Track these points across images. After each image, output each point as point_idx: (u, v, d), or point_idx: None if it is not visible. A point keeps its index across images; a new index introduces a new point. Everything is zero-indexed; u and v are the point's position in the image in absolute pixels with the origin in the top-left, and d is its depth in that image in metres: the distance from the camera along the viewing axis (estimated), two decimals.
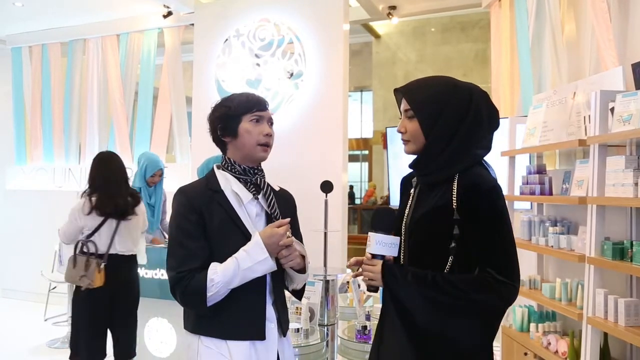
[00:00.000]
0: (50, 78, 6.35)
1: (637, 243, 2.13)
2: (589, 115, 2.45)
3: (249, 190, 1.65)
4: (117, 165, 3.13)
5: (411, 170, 1.54)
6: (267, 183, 1.71)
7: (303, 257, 1.67)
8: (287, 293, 1.78)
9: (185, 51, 5.80)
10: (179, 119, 5.70)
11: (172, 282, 1.56)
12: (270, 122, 1.69)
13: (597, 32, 2.88)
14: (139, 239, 3.19)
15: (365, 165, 14.29)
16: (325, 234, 3.10)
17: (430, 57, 11.77)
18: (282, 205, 1.71)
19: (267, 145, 1.66)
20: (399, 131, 1.49)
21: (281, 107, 4.66)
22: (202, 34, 5.13)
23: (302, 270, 1.68)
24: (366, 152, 14.08)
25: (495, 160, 1.53)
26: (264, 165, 1.74)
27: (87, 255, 2.96)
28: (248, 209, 1.63)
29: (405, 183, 1.60)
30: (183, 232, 1.57)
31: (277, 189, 1.77)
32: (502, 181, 3.21)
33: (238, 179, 1.65)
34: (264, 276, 1.61)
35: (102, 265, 2.94)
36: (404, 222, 1.51)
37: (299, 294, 1.79)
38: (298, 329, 2.68)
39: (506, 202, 3.29)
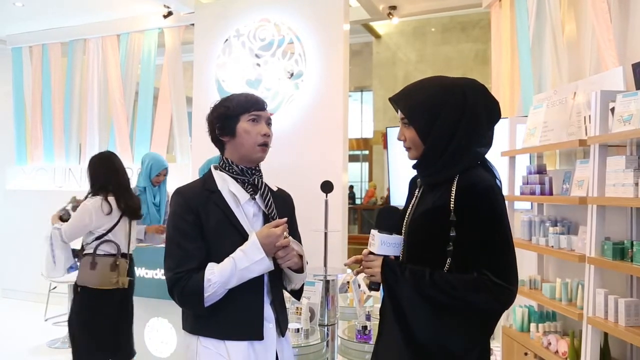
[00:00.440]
0: (51, 78, 6.35)
1: (637, 243, 2.13)
2: (590, 115, 2.45)
3: (247, 191, 1.65)
4: (121, 164, 3.18)
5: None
6: (265, 183, 1.71)
7: (301, 257, 1.66)
8: (286, 293, 1.78)
9: (186, 51, 5.81)
10: (179, 119, 5.71)
11: (170, 283, 1.56)
12: (269, 122, 1.69)
13: (597, 32, 2.88)
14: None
15: (366, 165, 14.29)
16: (326, 234, 3.10)
17: (431, 57, 11.77)
18: (280, 206, 1.71)
19: (265, 145, 1.65)
20: (399, 139, 1.50)
21: (281, 107, 4.66)
22: (202, 34, 5.13)
23: (300, 270, 1.67)
24: (366, 152, 14.08)
25: (495, 160, 1.53)
26: (264, 164, 1.74)
27: (112, 256, 2.99)
28: (245, 209, 1.63)
29: (412, 183, 1.61)
30: (180, 233, 1.57)
31: (274, 189, 1.76)
32: (503, 181, 3.23)
33: (235, 179, 1.65)
34: (262, 276, 1.61)
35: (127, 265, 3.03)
36: (405, 221, 1.51)
37: (297, 294, 1.79)
38: (298, 329, 2.68)
39: (506, 202, 3.29)
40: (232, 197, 1.62)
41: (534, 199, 2.95)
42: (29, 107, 6.48)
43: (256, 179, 1.67)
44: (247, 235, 1.58)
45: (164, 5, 5.42)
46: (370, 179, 13.64)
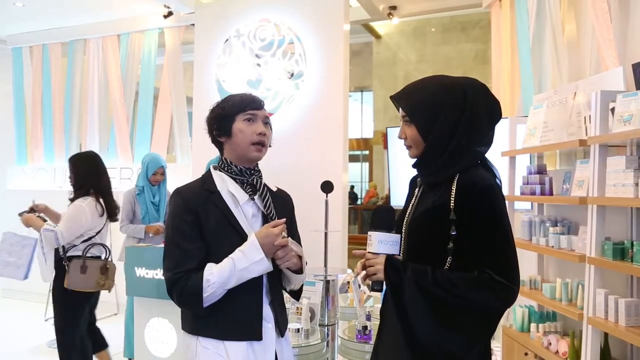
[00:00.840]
0: (51, 78, 6.35)
1: (637, 243, 2.13)
2: (590, 116, 2.45)
3: (245, 191, 1.65)
4: (104, 165, 3.21)
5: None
6: (264, 184, 1.71)
7: (300, 257, 1.66)
8: (286, 293, 1.78)
9: (186, 51, 5.81)
10: (179, 119, 5.71)
11: (169, 283, 1.56)
12: (266, 121, 1.68)
13: (597, 32, 2.88)
14: None
15: (366, 165, 14.29)
16: (326, 234, 3.10)
17: (431, 57, 11.77)
18: (279, 206, 1.71)
19: (260, 144, 1.64)
20: (399, 137, 1.50)
21: (282, 107, 4.66)
22: (202, 34, 5.13)
23: (299, 271, 1.67)
24: (366, 152, 14.09)
25: (495, 160, 1.53)
26: (264, 165, 1.74)
27: (99, 259, 3.03)
28: (244, 209, 1.63)
29: (412, 183, 1.61)
30: (179, 233, 1.57)
31: (274, 189, 1.76)
32: (503, 181, 3.23)
33: (234, 179, 1.65)
34: (261, 276, 1.61)
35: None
36: (405, 221, 1.51)
37: (296, 294, 1.79)
38: (298, 329, 2.68)
39: (507, 202, 3.29)
40: (231, 198, 1.62)
41: (534, 199, 2.95)
42: (29, 107, 6.48)
43: (255, 179, 1.67)
44: (246, 236, 1.58)
45: (164, 6, 5.42)
46: (371, 179, 13.65)
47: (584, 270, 2.41)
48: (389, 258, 1.43)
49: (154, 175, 3.92)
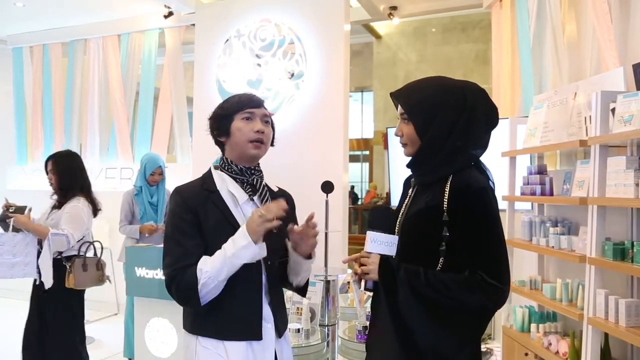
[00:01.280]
0: (51, 78, 6.35)
1: (637, 243, 2.13)
2: (590, 116, 2.45)
3: (245, 191, 1.65)
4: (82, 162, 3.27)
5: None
6: (265, 184, 1.71)
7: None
8: (287, 293, 1.78)
9: (186, 51, 5.81)
10: (179, 119, 5.71)
11: (168, 279, 1.56)
12: (265, 119, 1.68)
13: (598, 33, 2.88)
14: None
15: (366, 165, 14.30)
16: (326, 234, 3.10)
17: (431, 58, 11.78)
18: None
19: (259, 142, 1.64)
20: (396, 134, 1.51)
21: (282, 108, 4.66)
22: (202, 34, 5.13)
23: (309, 256, 1.66)
24: (367, 152, 14.09)
25: (495, 160, 1.54)
26: (264, 165, 1.74)
27: (95, 256, 3.13)
28: (244, 209, 1.63)
29: (406, 183, 1.62)
30: (179, 231, 1.58)
31: (275, 189, 1.77)
32: (503, 182, 3.23)
33: (235, 179, 1.66)
34: (260, 276, 1.62)
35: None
36: (398, 221, 1.52)
37: (302, 290, 1.78)
38: (299, 330, 2.68)
39: (507, 202, 3.29)
40: (230, 197, 1.63)
41: (535, 200, 2.95)
42: (30, 107, 6.48)
43: (255, 179, 1.67)
44: None
45: (165, 6, 5.42)
46: (371, 180, 13.65)
47: (584, 270, 2.41)
48: (383, 258, 1.43)
49: (151, 175, 3.92)
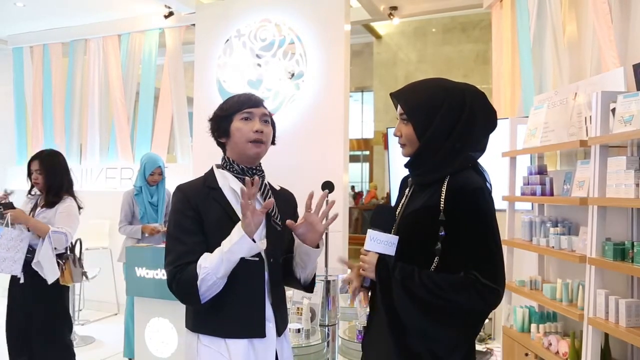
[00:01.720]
0: (52, 78, 6.36)
1: (638, 244, 2.13)
2: (590, 116, 2.45)
3: None
4: None
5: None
6: (267, 183, 1.71)
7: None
8: (288, 293, 1.78)
9: (187, 51, 5.81)
10: (180, 119, 5.71)
11: (170, 276, 1.56)
12: (265, 118, 1.68)
13: (598, 33, 2.88)
14: None
15: (366, 165, 14.30)
16: (326, 234, 3.10)
17: (431, 58, 11.77)
18: (282, 205, 1.71)
19: (258, 142, 1.64)
20: (395, 135, 1.51)
21: (282, 108, 4.66)
22: (203, 34, 5.13)
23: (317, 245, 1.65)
24: (367, 152, 14.09)
25: (496, 160, 1.54)
26: (264, 165, 1.74)
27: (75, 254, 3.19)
28: None
29: (403, 183, 1.63)
30: (181, 228, 1.58)
31: (277, 188, 1.77)
32: (503, 182, 3.23)
33: (237, 177, 1.66)
34: (263, 275, 1.62)
35: None
36: (395, 220, 1.52)
37: (309, 286, 1.76)
38: (299, 329, 2.68)
39: (507, 202, 3.29)
40: (232, 194, 1.63)
41: (535, 200, 2.95)
42: (30, 107, 6.49)
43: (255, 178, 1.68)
44: None
45: (165, 6, 5.43)
46: (371, 180, 13.65)
47: (584, 270, 2.41)
48: (381, 256, 1.43)
49: (151, 175, 3.92)
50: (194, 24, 5.35)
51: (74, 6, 5.59)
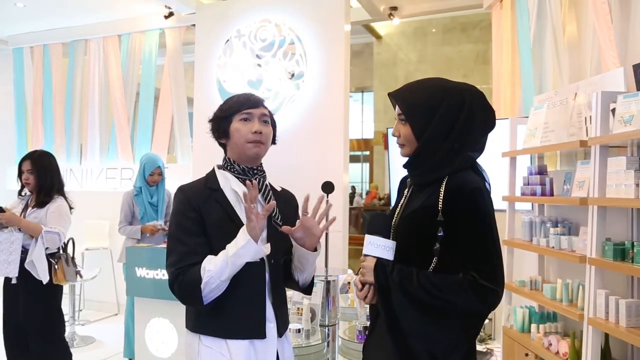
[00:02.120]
0: (52, 78, 6.36)
1: (638, 244, 2.13)
2: (590, 116, 2.45)
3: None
4: None
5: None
6: (268, 183, 1.71)
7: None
8: (288, 293, 1.78)
9: (187, 52, 5.82)
10: (180, 120, 5.72)
11: (172, 277, 1.56)
12: (264, 119, 1.68)
13: (598, 33, 2.88)
14: None
15: (366, 166, 14.30)
16: (327, 234, 3.09)
17: (431, 58, 11.77)
18: (283, 206, 1.71)
19: (257, 142, 1.64)
20: (393, 135, 1.51)
21: (282, 108, 4.66)
22: (203, 34, 5.13)
23: (314, 249, 1.66)
24: (367, 152, 14.09)
25: (496, 161, 1.54)
26: (264, 165, 1.74)
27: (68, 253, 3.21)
28: None
29: (402, 184, 1.63)
30: (182, 229, 1.58)
31: (278, 189, 1.77)
32: (503, 182, 3.23)
33: (238, 178, 1.66)
34: (263, 276, 1.62)
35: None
36: (394, 220, 1.52)
37: (308, 289, 1.77)
38: (299, 330, 2.69)
39: (507, 202, 3.28)
40: (234, 196, 1.63)
41: (535, 200, 2.95)
42: (30, 107, 6.49)
43: (258, 179, 1.68)
44: None
45: (165, 6, 5.43)
46: (371, 180, 13.65)
47: (584, 270, 2.41)
48: (379, 260, 1.44)
49: (150, 175, 3.93)
50: (194, 25, 5.35)
51: (74, 6, 5.59)
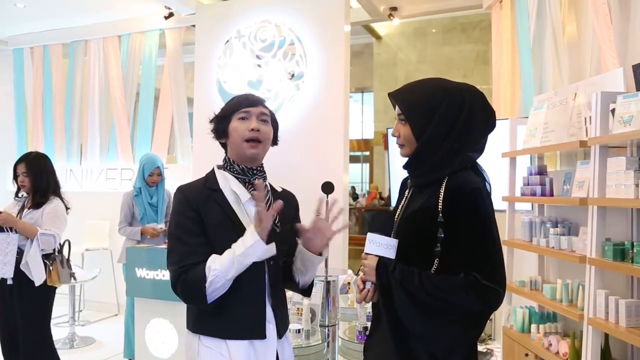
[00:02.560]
0: (52, 79, 6.36)
1: (637, 244, 2.13)
2: (590, 117, 2.46)
3: (248, 190, 1.65)
4: None
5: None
6: (268, 184, 1.71)
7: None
8: (288, 294, 1.78)
9: (187, 52, 5.82)
10: (180, 120, 5.72)
11: (174, 276, 1.55)
12: (262, 118, 1.68)
13: (598, 33, 2.88)
14: None
15: (367, 166, 14.30)
16: None
17: (431, 58, 11.77)
18: (284, 206, 1.71)
19: (254, 141, 1.64)
20: (393, 135, 1.51)
21: (282, 108, 4.66)
22: (203, 35, 5.14)
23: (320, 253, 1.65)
24: (367, 153, 14.09)
25: (496, 161, 1.54)
26: (264, 165, 1.74)
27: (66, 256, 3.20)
28: (247, 208, 1.63)
29: (402, 185, 1.63)
30: (182, 229, 1.58)
31: (279, 189, 1.77)
32: (503, 182, 3.23)
33: (237, 178, 1.66)
34: (263, 277, 1.62)
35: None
36: (394, 222, 1.53)
37: (307, 291, 1.77)
38: (299, 330, 2.68)
39: (507, 203, 3.28)
40: (233, 196, 1.63)
41: (535, 200, 2.95)
42: (30, 108, 6.49)
43: (258, 179, 1.68)
44: None
45: (165, 7, 5.43)
46: (371, 180, 13.65)
47: (584, 271, 2.41)
48: (381, 259, 1.44)
49: (150, 176, 3.93)
50: (194, 25, 5.35)
51: (74, 7, 5.59)
